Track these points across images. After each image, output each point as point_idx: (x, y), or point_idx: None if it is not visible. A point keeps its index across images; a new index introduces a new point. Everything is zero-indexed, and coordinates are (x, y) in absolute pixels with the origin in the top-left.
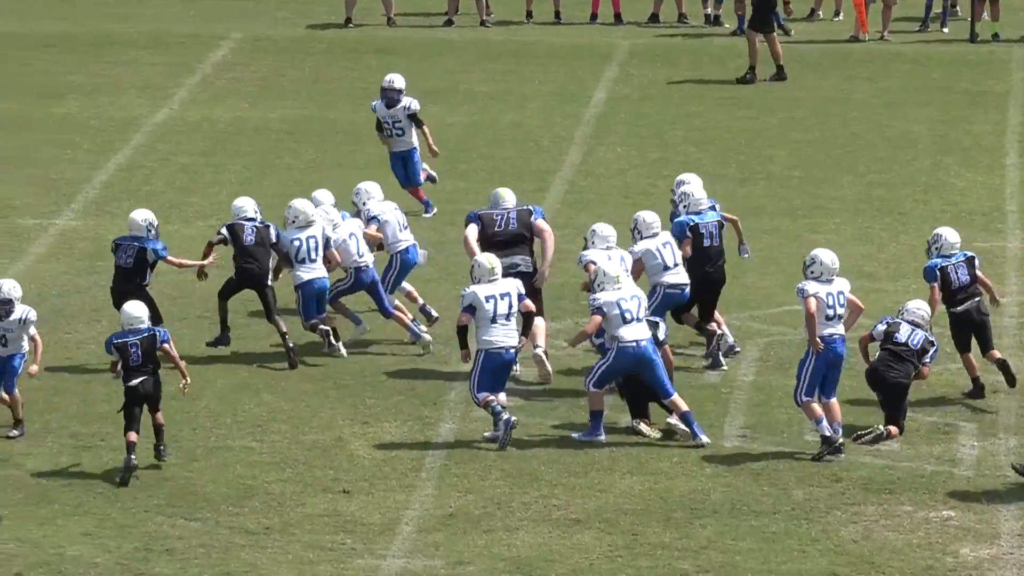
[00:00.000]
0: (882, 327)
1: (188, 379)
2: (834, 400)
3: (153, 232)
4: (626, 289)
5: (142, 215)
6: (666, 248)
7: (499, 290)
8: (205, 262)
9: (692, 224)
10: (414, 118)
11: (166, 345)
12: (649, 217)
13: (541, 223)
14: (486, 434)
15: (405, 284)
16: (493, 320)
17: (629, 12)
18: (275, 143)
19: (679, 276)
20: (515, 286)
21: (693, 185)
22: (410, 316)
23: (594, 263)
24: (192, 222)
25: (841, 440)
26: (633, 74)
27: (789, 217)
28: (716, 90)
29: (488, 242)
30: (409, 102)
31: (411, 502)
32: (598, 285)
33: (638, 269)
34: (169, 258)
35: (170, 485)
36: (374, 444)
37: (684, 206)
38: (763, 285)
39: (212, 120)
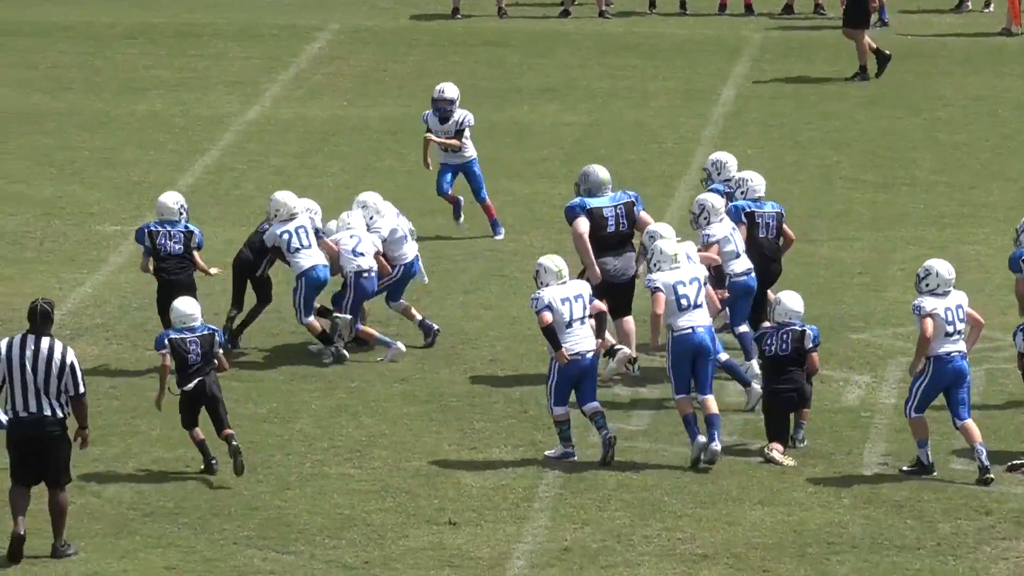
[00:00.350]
0: None
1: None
2: (968, 420)
3: (185, 216)
4: (685, 271)
5: (174, 198)
6: (735, 234)
7: (571, 292)
8: (212, 271)
9: (749, 210)
10: (461, 135)
11: (220, 350)
12: (718, 202)
13: (644, 216)
14: (548, 453)
15: (403, 300)
16: (568, 324)
17: (761, 2)
18: (376, 144)
19: (745, 263)
20: (586, 288)
21: (749, 173)
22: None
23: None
24: None
25: (989, 472)
26: (765, 70)
27: (935, 226)
28: (855, 88)
29: (600, 244)
30: (463, 116)
31: (523, 535)
32: (654, 264)
33: (714, 253)
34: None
35: (261, 515)
36: (483, 471)
37: (741, 192)
38: (906, 300)
39: (307, 119)
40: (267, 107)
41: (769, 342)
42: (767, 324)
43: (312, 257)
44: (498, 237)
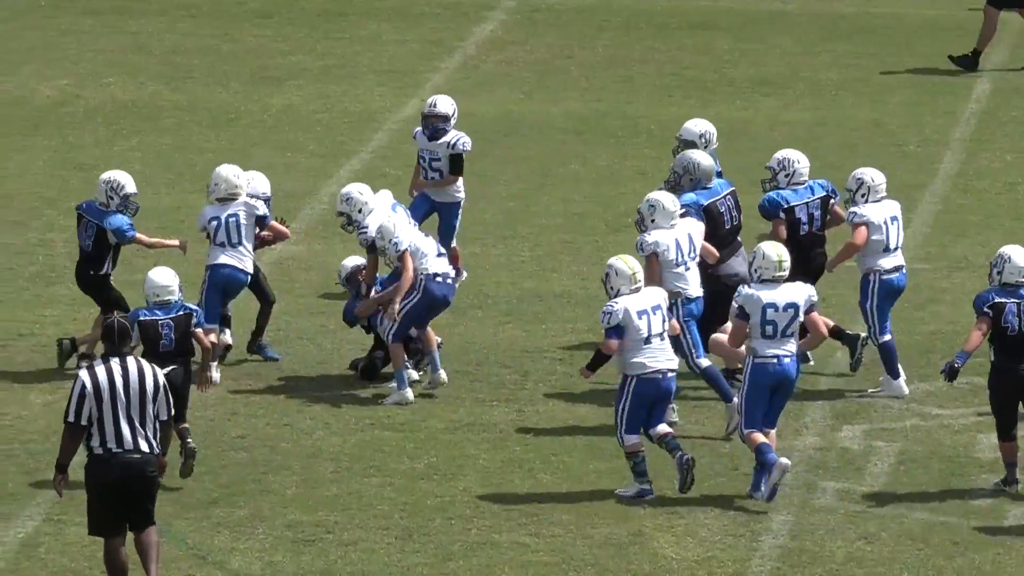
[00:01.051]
0: None
1: (212, 375)
2: None
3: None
4: (785, 290)
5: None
6: (893, 224)
7: (649, 303)
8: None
9: (788, 206)
10: (456, 161)
11: (199, 330)
12: (878, 177)
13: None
14: (620, 491)
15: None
16: (647, 339)
17: None
18: (558, 145)
19: (897, 258)
20: (664, 297)
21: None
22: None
23: (660, 248)
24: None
25: None
26: None
27: None
28: None
29: (717, 244)
30: (457, 138)
31: None
32: (755, 270)
33: (860, 240)
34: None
35: None
36: (684, 540)
37: (786, 175)
38: None
39: (476, 115)
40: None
41: (1010, 318)
42: (996, 292)
43: (232, 258)
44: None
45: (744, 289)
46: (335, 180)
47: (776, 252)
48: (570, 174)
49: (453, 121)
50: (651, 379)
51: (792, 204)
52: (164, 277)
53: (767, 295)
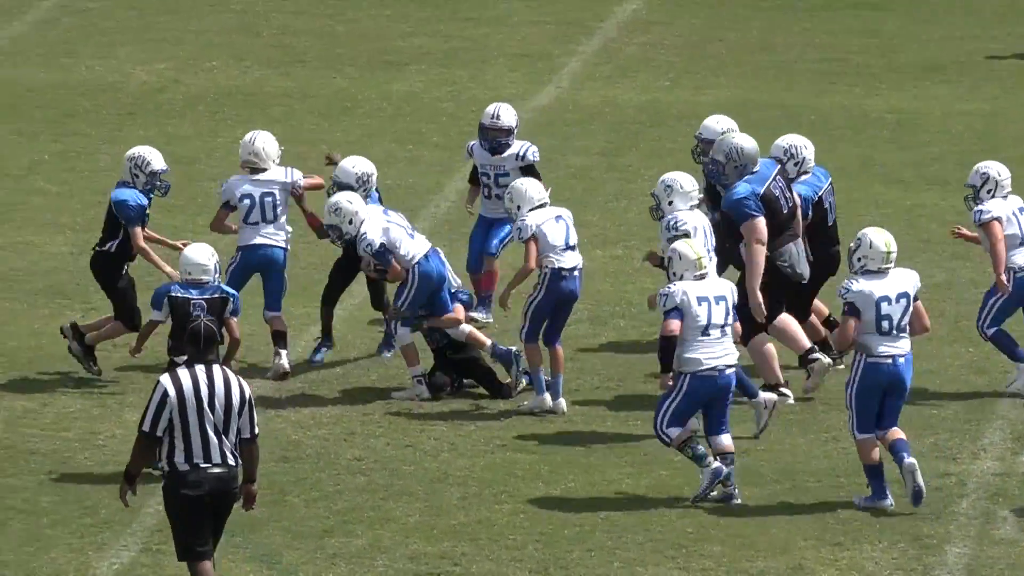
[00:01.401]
0: None
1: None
2: None
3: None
4: (894, 279)
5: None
6: (1023, 215)
7: (713, 291)
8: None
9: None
10: (530, 173)
11: (234, 319)
12: (1004, 171)
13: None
14: (695, 493)
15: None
16: (705, 331)
17: None
18: None
19: None
20: (732, 290)
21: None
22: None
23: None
24: (590, 250)
25: None
26: None
27: None
28: None
29: (776, 231)
30: (524, 147)
31: None
32: (859, 260)
33: (1000, 236)
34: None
35: None
36: (848, 574)
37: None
38: None
39: (618, 104)
40: (564, 88)
41: None
42: None
43: (267, 238)
44: (479, 316)
45: (853, 284)
46: (462, 175)
47: (884, 240)
48: None
49: (516, 133)
50: (706, 376)
51: (819, 195)
52: (200, 254)
53: (879, 288)
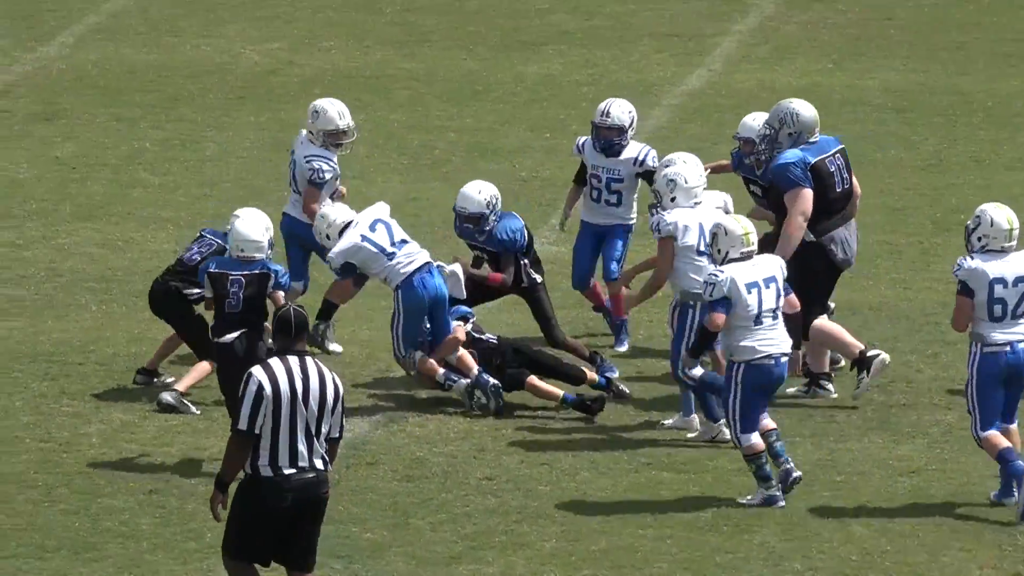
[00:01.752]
0: None
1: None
2: None
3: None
4: (1014, 262)
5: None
6: None
7: (762, 274)
8: None
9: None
10: (646, 178)
11: (279, 292)
12: None
13: None
14: (745, 499)
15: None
16: (757, 320)
17: None
18: (875, 125)
19: None
20: (779, 265)
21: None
22: None
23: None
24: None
25: None
26: None
27: None
28: None
29: (827, 210)
30: (644, 151)
31: None
32: (979, 238)
33: None
34: None
35: None
36: None
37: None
38: None
39: (775, 88)
40: (716, 71)
41: None
42: None
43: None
44: (620, 348)
45: (966, 262)
46: None
47: (1005, 216)
48: (890, 160)
49: (631, 132)
50: (762, 365)
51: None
52: (253, 228)
53: (994, 268)
